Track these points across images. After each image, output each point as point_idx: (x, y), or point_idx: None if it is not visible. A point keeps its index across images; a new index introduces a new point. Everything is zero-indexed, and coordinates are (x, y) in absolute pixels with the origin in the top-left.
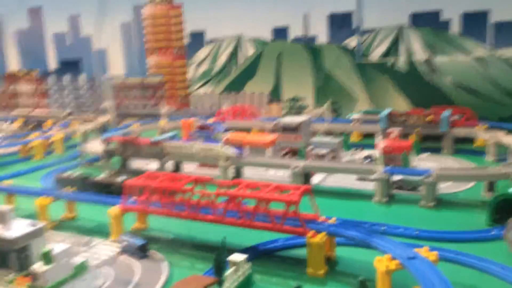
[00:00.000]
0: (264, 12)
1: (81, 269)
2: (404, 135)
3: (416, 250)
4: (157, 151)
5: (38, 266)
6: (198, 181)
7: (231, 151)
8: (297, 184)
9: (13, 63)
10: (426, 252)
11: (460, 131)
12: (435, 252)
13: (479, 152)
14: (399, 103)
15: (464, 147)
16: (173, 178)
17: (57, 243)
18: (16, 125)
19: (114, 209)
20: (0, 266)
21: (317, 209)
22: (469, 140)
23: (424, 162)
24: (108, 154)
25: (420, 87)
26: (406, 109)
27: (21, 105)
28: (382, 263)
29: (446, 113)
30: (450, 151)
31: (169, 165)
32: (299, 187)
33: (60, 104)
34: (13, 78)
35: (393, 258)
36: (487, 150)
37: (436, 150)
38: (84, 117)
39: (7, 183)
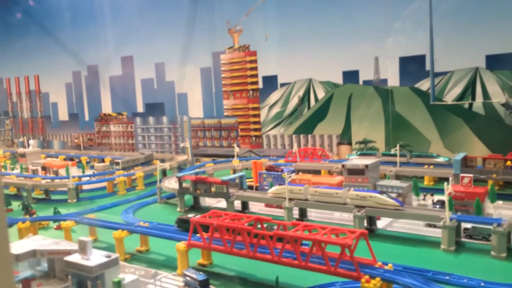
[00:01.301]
0: (334, 56)
1: None
2: (480, 181)
3: None
4: (224, 191)
5: None
6: (258, 221)
7: (392, 200)
8: (356, 228)
9: (107, 106)
10: None
11: None
12: None
13: None
14: (475, 147)
15: None
16: (236, 217)
17: (127, 274)
18: (105, 162)
19: (180, 245)
20: None
21: (372, 254)
22: None
23: (500, 210)
24: (182, 191)
25: (498, 131)
26: (482, 154)
27: (111, 144)
28: None
29: None
30: None
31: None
32: (355, 231)
33: (144, 144)
34: (105, 119)
35: None
36: None
37: None
38: (164, 156)
39: (91, 216)
